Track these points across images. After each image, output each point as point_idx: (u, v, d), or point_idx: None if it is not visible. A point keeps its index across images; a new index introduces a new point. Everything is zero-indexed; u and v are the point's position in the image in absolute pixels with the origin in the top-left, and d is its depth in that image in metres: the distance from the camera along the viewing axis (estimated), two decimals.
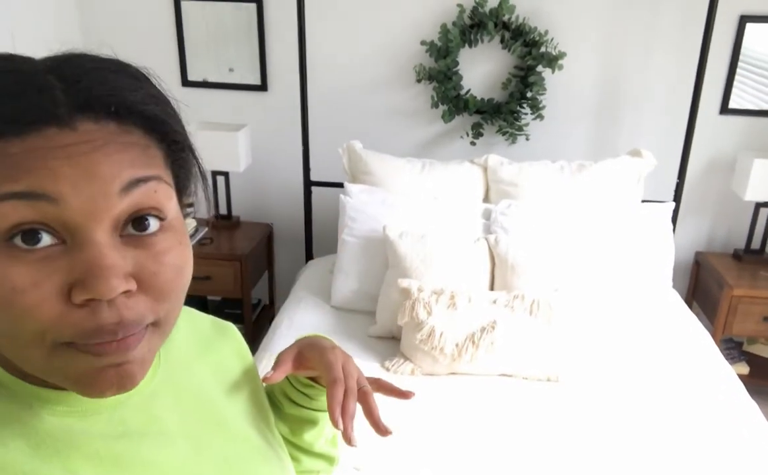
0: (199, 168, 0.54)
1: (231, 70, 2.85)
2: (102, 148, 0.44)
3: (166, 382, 0.60)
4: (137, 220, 0.46)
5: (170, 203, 0.48)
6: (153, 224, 0.47)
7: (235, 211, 2.98)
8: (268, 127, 2.90)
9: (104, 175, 0.43)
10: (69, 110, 0.43)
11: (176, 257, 0.48)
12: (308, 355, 0.73)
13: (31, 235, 0.42)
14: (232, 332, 0.75)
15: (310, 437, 0.79)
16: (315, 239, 2.85)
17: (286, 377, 0.77)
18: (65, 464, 0.48)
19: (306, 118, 2.59)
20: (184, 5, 2.74)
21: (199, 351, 0.68)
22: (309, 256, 2.82)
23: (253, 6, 2.72)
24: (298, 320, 2.18)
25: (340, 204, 2.39)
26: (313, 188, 2.73)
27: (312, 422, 0.78)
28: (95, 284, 0.42)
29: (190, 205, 0.57)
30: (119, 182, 0.44)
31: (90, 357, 0.44)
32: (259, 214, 3.06)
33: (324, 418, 0.79)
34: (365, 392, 0.71)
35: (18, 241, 0.42)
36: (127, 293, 0.44)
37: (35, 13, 2.55)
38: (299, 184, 2.77)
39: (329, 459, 0.84)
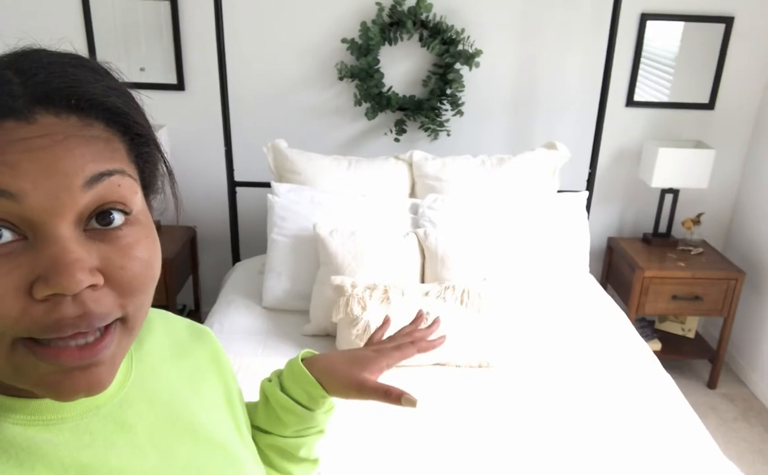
0: (165, 164, 0.53)
1: (142, 69, 2.75)
2: (63, 141, 0.43)
3: (137, 388, 0.58)
4: (101, 215, 0.45)
5: (135, 197, 0.47)
6: (118, 218, 0.46)
7: (155, 216, 2.87)
8: (187, 127, 2.82)
9: (66, 170, 0.42)
10: (27, 103, 0.42)
11: (143, 251, 0.47)
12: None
13: None
14: (209, 337, 0.73)
15: (298, 438, 0.81)
16: (241, 241, 2.81)
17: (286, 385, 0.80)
18: None
19: (227, 117, 2.54)
20: (92, 1, 2.62)
21: (174, 356, 0.66)
22: (236, 258, 2.77)
23: (166, 3, 2.63)
24: (229, 323, 2.14)
25: (268, 204, 2.36)
26: (238, 189, 2.68)
27: (307, 421, 0.80)
28: (59, 279, 0.41)
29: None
30: (82, 177, 0.43)
31: (50, 362, 0.43)
32: (182, 218, 2.97)
33: (316, 419, 0.80)
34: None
35: None
36: (93, 287, 0.43)
37: None
38: (222, 185, 2.72)
39: (314, 461, 0.86)
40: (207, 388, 0.67)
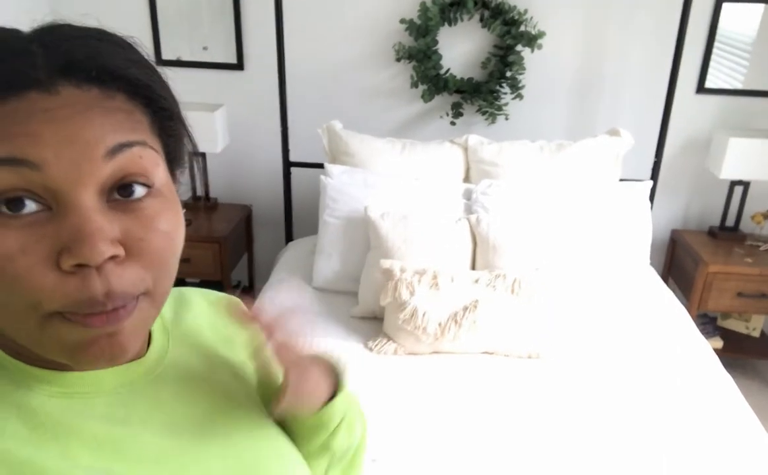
0: (189, 137, 0.53)
1: (205, 48, 2.79)
2: (84, 112, 0.43)
3: (173, 366, 0.59)
4: (123, 187, 0.45)
5: (157, 170, 0.47)
6: (139, 191, 0.46)
7: (213, 193, 2.94)
8: (246, 107, 2.86)
9: (87, 140, 0.43)
10: (49, 74, 0.43)
11: (165, 223, 0.47)
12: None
13: (15, 202, 0.41)
14: (235, 306, 0.71)
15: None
16: (295, 220, 2.83)
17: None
18: (63, 450, 0.47)
19: (284, 97, 2.56)
20: None
21: (212, 334, 0.66)
22: (289, 237, 2.80)
23: None
24: (280, 302, 2.17)
25: (321, 185, 2.37)
26: (293, 169, 2.71)
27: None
28: (81, 248, 0.41)
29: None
30: (103, 147, 0.43)
31: (80, 328, 0.44)
32: (238, 196, 3.02)
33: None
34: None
35: (3, 209, 0.41)
36: (115, 259, 0.44)
37: None
38: (278, 165, 2.74)
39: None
40: (243, 369, 0.67)
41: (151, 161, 0.47)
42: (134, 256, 0.45)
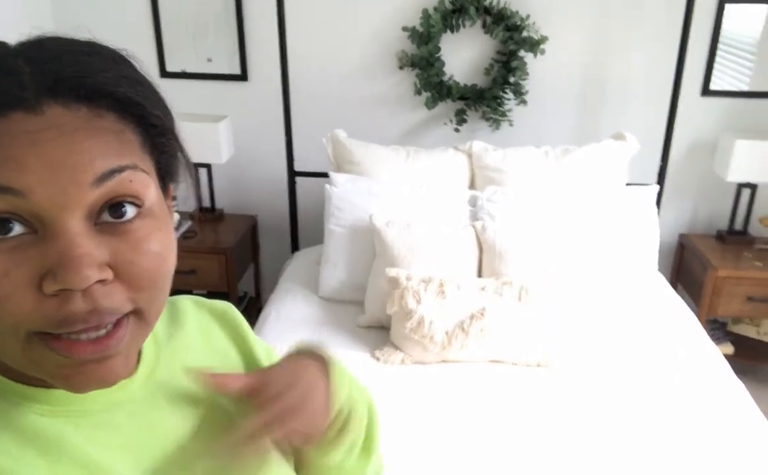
0: (183, 153, 0.52)
1: (209, 60, 2.80)
2: (71, 134, 0.41)
3: (164, 385, 0.58)
4: (113, 207, 0.44)
5: (148, 191, 0.46)
6: (130, 211, 0.45)
7: (219, 204, 2.94)
8: (250, 117, 2.86)
9: (74, 165, 0.41)
10: (35, 94, 0.41)
11: (156, 244, 0.46)
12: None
13: (2, 223, 0.41)
14: (229, 315, 0.70)
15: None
16: (300, 230, 2.83)
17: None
18: (52, 467, 0.46)
19: (288, 107, 2.56)
20: None
21: (204, 348, 0.65)
22: (295, 247, 2.79)
23: None
24: (286, 312, 2.16)
25: (325, 194, 2.37)
26: (297, 178, 2.70)
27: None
28: (66, 274, 0.41)
29: (173, 197, 0.55)
30: (91, 173, 0.42)
31: (63, 358, 0.43)
32: (243, 206, 3.02)
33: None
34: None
35: None
36: (102, 281, 0.43)
37: (7, 1, 2.49)
38: (283, 174, 2.74)
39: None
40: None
41: (142, 184, 0.45)
42: (123, 278, 0.44)
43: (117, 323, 0.45)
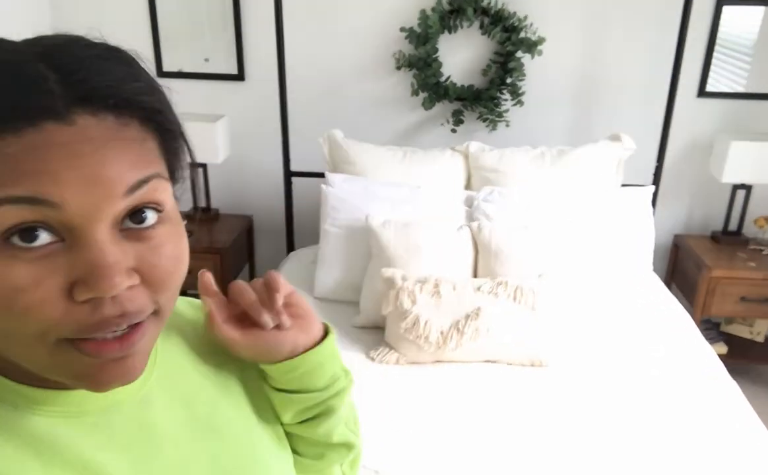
0: (191, 155, 0.53)
1: (206, 59, 2.80)
2: (103, 147, 0.42)
3: (161, 386, 0.58)
4: (135, 213, 0.45)
5: (167, 196, 0.48)
6: (150, 217, 0.46)
7: (214, 204, 2.94)
8: (246, 117, 2.86)
9: (109, 178, 0.42)
10: (66, 104, 0.41)
11: (174, 249, 0.48)
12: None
13: (28, 232, 0.41)
14: None
15: (324, 428, 0.70)
16: (296, 230, 2.83)
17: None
18: (46, 469, 0.46)
19: (285, 107, 2.56)
20: None
21: (199, 347, 0.65)
22: (290, 247, 2.79)
23: None
24: None
25: (322, 194, 2.37)
26: (294, 179, 2.70)
27: (320, 410, 0.69)
28: (98, 282, 0.41)
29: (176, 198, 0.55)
30: (123, 186, 0.43)
31: (92, 358, 0.44)
32: (239, 206, 3.02)
33: (335, 404, 0.69)
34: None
35: (16, 240, 0.41)
36: (131, 287, 0.44)
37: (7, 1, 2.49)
38: (279, 174, 2.74)
39: (348, 445, 0.74)
40: (230, 377, 0.65)
41: (164, 191, 0.47)
42: (146, 281, 0.45)
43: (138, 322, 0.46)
